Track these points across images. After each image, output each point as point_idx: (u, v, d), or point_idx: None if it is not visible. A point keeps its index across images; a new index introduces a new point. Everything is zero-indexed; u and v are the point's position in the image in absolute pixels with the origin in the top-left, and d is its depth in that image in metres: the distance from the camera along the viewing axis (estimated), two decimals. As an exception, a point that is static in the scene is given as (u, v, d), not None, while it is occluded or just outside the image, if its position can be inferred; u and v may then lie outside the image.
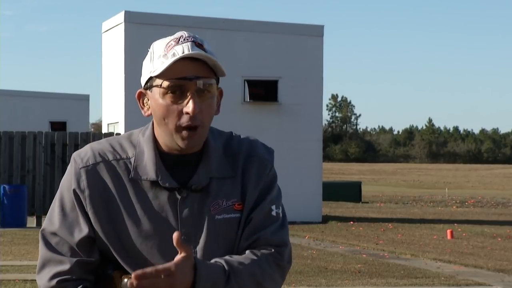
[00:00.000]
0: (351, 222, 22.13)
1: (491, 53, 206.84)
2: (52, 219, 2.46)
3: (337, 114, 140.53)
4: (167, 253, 2.38)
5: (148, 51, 2.47)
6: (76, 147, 20.97)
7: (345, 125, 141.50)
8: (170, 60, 2.35)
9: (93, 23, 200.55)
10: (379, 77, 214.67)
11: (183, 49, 2.37)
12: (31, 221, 20.29)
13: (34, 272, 12.11)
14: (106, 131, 23.27)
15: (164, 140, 2.44)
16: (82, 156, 2.46)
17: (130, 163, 2.44)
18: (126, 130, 21.33)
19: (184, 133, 2.38)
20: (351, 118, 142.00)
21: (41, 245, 2.47)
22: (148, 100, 2.45)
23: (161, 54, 2.39)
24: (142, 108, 2.48)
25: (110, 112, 23.53)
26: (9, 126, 30.09)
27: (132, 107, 21.30)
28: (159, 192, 2.42)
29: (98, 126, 67.67)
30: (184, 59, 2.37)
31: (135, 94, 2.51)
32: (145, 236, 2.41)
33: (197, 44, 2.39)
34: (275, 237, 2.45)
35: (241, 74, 22.55)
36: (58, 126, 37.53)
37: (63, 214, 2.44)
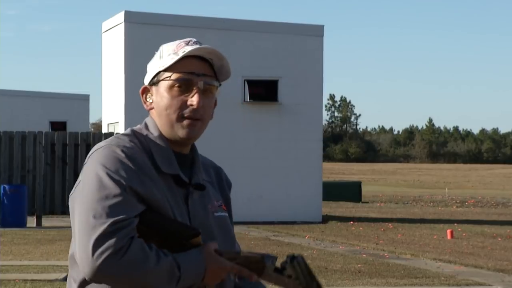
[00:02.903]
0: (351, 222, 22.14)
1: (491, 53, 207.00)
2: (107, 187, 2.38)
3: (335, 114, 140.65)
4: None
5: (155, 53, 2.59)
6: (76, 147, 20.98)
7: (345, 125, 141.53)
8: (181, 54, 2.50)
9: (94, 23, 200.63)
10: (379, 77, 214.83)
11: (193, 49, 2.52)
12: (31, 221, 20.28)
13: (34, 272, 11.98)
14: (106, 131, 23.26)
15: (166, 135, 2.54)
16: (121, 147, 2.47)
17: (151, 157, 2.51)
18: (126, 130, 21.30)
19: (186, 122, 2.50)
20: (351, 118, 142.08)
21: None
22: (152, 95, 2.57)
23: (172, 52, 2.53)
24: (145, 103, 2.60)
25: (110, 112, 23.52)
26: (9, 126, 30.08)
27: (132, 107, 21.29)
28: (174, 186, 2.52)
29: (98, 126, 67.66)
30: (193, 58, 2.51)
31: (140, 90, 2.62)
32: None
33: None
34: None
35: (241, 74, 22.55)
36: (58, 126, 37.54)
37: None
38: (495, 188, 54.35)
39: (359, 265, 13.27)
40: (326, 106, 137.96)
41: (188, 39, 2.55)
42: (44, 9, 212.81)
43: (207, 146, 22.87)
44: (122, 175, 2.39)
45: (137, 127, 2.60)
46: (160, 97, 2.52)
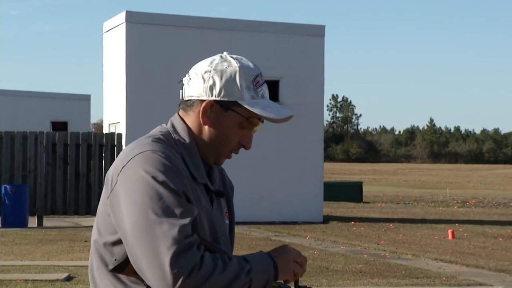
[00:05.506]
0: (352, 222, 22.13)
1: (492, 53, 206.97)
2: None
3: (337, 114, 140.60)
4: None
5: (224, 65, 2.50)
6: (78, 147, 20.99)
7: (346, 125, 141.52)
8: (273, 114, 2.48)
9: (95, 23, 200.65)
10: (380, 77, 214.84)
11: (267, 94, 2.55)
12: (32, 221, 20.29)
13: (35, 272, 12.00)
14: (107, 131, 23.26)
15: (201, 151, 2.54)
16: (167, 155, 2.42)
17: (185, 164, 2.48)
18: (127, 130, 21.31)
19: (229, 155, 2.56)
20: (352, 118, 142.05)
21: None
22: (216, 114, 2.49)
23: (250, 87, 2.50)
24: (203, 117, 2.50)
25: (112, 112, 23.51)
26: (11, 126, 30.11)
27: (133, 107, 21.28)
28: (203, 195, 2.51)
29: (100, 126, 67.73)
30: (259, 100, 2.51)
31: (206, 103, 2.50)
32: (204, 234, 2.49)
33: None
34: None
35: (243, 74, 22.53)
36: (60, 126, 37.57)
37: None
38: (496, 188, 54.32)
39: (360, 265, 13.27)
40: (328, 106, 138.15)
41: (257, 74, 2.52)
42: (46, 9, 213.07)
43: (208, 146, 22.87)
44: (176, 181, 2.36)
45: (165, 130, 2.53)
46: (228, 127, 2.51)
